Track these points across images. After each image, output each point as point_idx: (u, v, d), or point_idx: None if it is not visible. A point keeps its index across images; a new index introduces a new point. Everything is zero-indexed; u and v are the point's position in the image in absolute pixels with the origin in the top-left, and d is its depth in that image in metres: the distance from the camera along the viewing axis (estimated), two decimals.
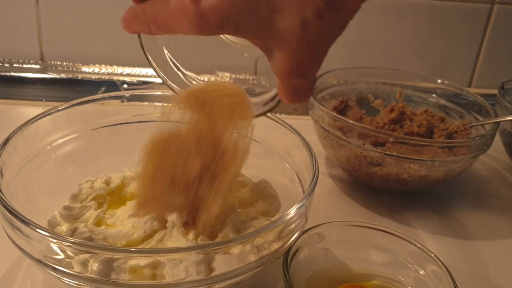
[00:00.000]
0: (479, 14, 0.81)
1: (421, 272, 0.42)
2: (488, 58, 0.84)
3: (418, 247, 0.43)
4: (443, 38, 0.82)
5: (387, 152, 0.55)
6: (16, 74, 0.76)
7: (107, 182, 0.48)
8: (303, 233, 0.42)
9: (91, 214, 0.44)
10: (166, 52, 0.42)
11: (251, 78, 0.43)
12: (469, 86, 0.87)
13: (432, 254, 0.42)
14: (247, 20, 0.31)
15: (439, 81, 0.70)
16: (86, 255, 0.34)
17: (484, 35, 0.83)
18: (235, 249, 0.36)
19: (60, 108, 0.49)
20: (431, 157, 0.54)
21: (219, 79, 0.44)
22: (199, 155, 0.41)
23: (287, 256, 0.40)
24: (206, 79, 0.43)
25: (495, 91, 0.68)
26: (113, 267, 0.34)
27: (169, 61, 0.42)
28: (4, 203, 0.36)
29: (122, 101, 0.53)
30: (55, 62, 0.78)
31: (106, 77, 0.77)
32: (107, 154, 0.53)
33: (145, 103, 0.55)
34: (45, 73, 0.77)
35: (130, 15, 0.36)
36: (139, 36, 0.39)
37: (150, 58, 0.41)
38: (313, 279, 0.43)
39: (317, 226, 0.44)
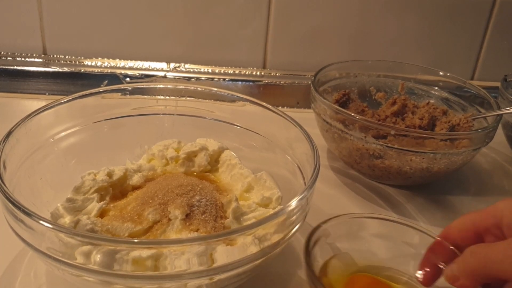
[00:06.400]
0: (481, 7, 0.81)
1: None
2: (490, 51, 0.84)
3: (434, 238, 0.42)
4: (446, 30, 0.82)
5: (389, 145, 0.55)
6: (18, 67, 0.76)
7: (109, 175, 0.48)
8: (316, 227, 0.42)
9: (93, 206, 0.44)
10: None
11: None
12: (472, 78, 0.86)
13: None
14: None
15: (441, 73, 0.70)
16: (89, 247, 0.34)
17: (487, 27, 0.82)
18: (237, 241, 0.37)
19: (62, 101, 0.49)
20: (433, 150, 0.54)
21: None
22: None
23: (307, 249, 0.40)
24: None
25: (498, 84, 0.68)
26: (116, 259, 0.34)
27: None
28: (7, 195, 0.36)
29: (124, 94, 0.53)
30: (58, 56, 0.78)
31: (109, 70, 0.77)
32: (109, 147, 0.53)
33: (147, 96, 0.55)
34: (47, 66, 0.77)
35: None
36: None
37: None
38: (325, 269, 0.43)
39: (329, 220, 0.43)
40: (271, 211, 0.46)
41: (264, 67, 0.81)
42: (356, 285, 0.42)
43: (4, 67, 0.76)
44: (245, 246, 0.37)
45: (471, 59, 0.85)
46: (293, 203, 0.38)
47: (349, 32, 0.80)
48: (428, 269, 0.40)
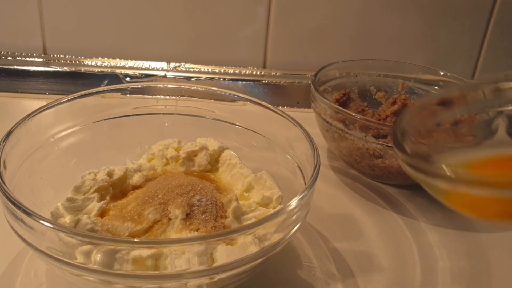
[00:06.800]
0: (482, 6, 0.81)
1: None
2: (491, 50, 0.84)
3: None
4: (446, 29, 0.82)
5: (389, 144, 0.55)
6: (19, 67, 0.76)
7: (109, 174, 0.48)
8: None
9: (94, 206, 0.44)
10: None
11: None
12: (472, 78, 0.86)
13: None
14: None
15: (441, 73, 0.70)
16: (89, 246, 0.34)
17: (487, 26, 0.82)
18: (237, 240, 0.37)
19: (62, 101, 0.49)
20: None
21: None
22: None
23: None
24: None
25: None
26: (116, 258, 0.34)
27: None
28: (7, 195, 0.36)
29: (124, 94, 0.54)
30: (58, 55, 0.78)
31: (109, 70, 0.77)
32: (109, 147, 0.53)
33: (147, 96, 0.55)
34: (48, 66, 0.77)
35: None
36: None
37: None
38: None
39: None
40: (271, 211, 0.46)
41: (264, 66, 0.81)
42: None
43: (4, 66, 0.76)
44: (245, 246, 0.37)
45: (471, 58, 0.85)
46: (294, 202, 0.38)
47: (350, 31, 0.80)
48: None
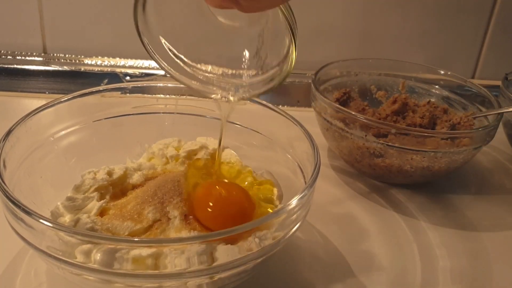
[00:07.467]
0: (483, 5, 0.81)
1: None
2: (492, 49, 0.84)
3: None
4: (447, 29, 0.82)
5: (390, 144, 0.55)
6: (19, 66, 0.76)
7: (109, 173, 0.48)
8: None
9: (93, 205, 0.44)
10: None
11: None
12: (473, 77, 0.86)
13: None
14: None
15: (442, 72, 0.70)
16: (89, 246, 0.34)
17: (488, 26, 0.82)
18: (237, 239, 0.37)
19: (62, 100, 0.49)
20: (434, 148, 0.54)
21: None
22: None
23: None
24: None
25: (499, 82, 0.68)
26: (116, 257, 0.34)
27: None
28: (7, 194, 0.36)
29: (124, 93, 0.53)
30: (58, 55, 0.78)
31: (109, 69, 0.77)
32: (109, 146, 0.53)
33: (147, 95, 0.55)
34: (47, 65, 0.77)
35: None
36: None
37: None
38: None
39: None
40: (272, 210, 0.46)
41: None
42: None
43: (4, 66, 0.76)
44: (245, 245, 0.36)
45: (472, 57, 0.85)
46: (294, 201, 0.38)
47: (350, 30, 0.80)
48: None
